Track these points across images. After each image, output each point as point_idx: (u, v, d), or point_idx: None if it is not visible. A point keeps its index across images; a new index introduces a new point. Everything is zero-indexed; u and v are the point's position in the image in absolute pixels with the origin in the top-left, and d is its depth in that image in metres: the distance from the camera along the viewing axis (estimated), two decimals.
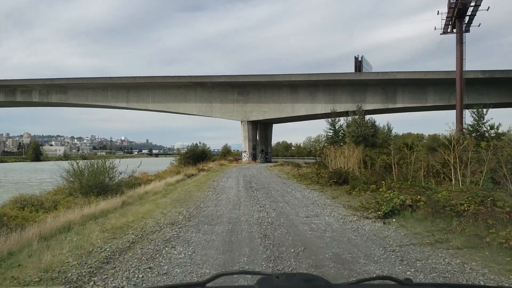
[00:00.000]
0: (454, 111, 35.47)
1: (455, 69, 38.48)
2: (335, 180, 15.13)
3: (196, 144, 55.59)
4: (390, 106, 42.49)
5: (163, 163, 51.31)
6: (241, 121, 46.48)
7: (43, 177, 38.26)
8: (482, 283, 4.43)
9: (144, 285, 4.29)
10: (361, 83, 42.62)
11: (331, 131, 38.57)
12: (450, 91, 40.32)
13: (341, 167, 17.74)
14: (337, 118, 38.31)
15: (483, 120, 32.48)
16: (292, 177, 20.73)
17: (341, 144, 34.78)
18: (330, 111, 39.55)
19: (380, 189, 10.96)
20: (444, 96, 41.01)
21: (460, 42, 34.17)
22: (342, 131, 38.68)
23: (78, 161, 20.90)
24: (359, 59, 48.13)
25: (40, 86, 50.03)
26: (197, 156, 46.38)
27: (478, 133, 32.16)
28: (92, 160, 21.23)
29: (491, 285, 4.39)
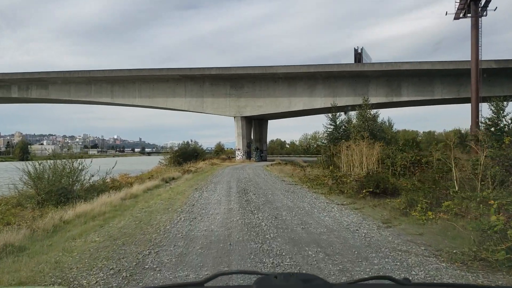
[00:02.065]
0: (462, 105, 30.46)
1: (463, 60, 33.47)
2: (370, 190, 9.66)
3: (188, 142, 50.36)
4: (395, 99, 37.19)
5: (154, 162, 45.51)
6: (235, 117, 40.88)
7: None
8: None
9: (140, 284, 3.73)
10: (363, 75, 37.28)
11: (332, 126, 33.20)
12: (459, 83, 35.21)
13: (375, 172, 12.25)
14: (338, 113, 33.02)
15: (502, 113, 27.48)
16: (299, 181, 15.24)
17: (343, 140, 29.60)
18: (330, 105, 34.10)
19: (493, 217, 5.53)
20: (452, 88, 35.82)
21: (475, 27, 28.98)
22: (344, 126, 33.44)
23: (40, 161, 16.01)
24: (359, 51, 42.81)
25: (19, 81, 43.91)
26: (188, 155, 41.16)
27: (498, 128, 27.23)
28: (58, 160, 16.20)
29: (490, 285, 3.89)
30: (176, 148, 46.78)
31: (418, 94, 36.73)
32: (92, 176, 17.46)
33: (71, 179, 16.24)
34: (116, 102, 43.09)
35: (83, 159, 17.56)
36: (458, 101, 37.85)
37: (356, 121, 29.79)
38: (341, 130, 33.05)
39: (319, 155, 56.06)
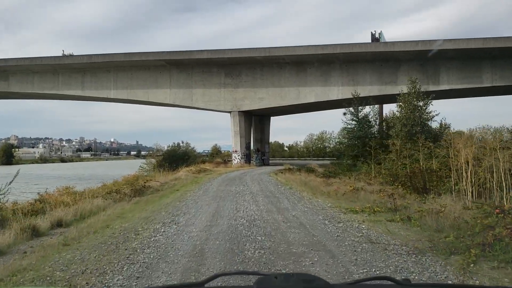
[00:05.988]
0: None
1: None
2: None
3: (178, 144, 40.55)
4: (431, 88, 27.18)
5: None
6: (231, 112, 30.87)
7: None
8: None
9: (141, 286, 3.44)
10: (392, 58, 27.45)
11: (354, 122, 23.35)
12: None
13: None
14: (361, 107, 23.31)
15: None
16: (391, 226, 5.27)
17: (370, 139, 19.83)
18: (351, 96, 24.14)
19: None
20: (507, 73, 26.06)
21: None
22: (370, 121, 23.70)
23: None
24: (376, 35, 32.99)
25: None
26: (177, 158, 31.47)
27: None
28: None
29: (490, 285, 3.59)
30: (166, 150, 37.37)
31: (461, 82, 26.95)
32: None
33: None
34: (87, 95, 32.97)
35: None
36: None
37: (401, 112, 19.93)
38: (366, 126, 23.31)
39: (326, 158, 45.62)
